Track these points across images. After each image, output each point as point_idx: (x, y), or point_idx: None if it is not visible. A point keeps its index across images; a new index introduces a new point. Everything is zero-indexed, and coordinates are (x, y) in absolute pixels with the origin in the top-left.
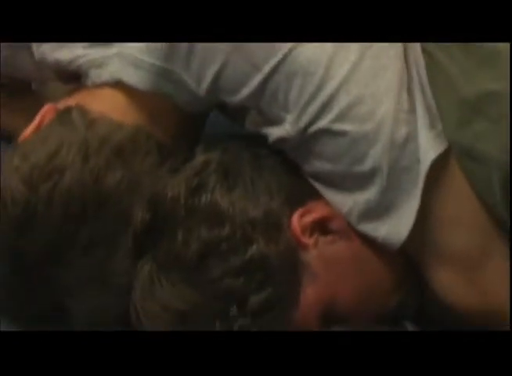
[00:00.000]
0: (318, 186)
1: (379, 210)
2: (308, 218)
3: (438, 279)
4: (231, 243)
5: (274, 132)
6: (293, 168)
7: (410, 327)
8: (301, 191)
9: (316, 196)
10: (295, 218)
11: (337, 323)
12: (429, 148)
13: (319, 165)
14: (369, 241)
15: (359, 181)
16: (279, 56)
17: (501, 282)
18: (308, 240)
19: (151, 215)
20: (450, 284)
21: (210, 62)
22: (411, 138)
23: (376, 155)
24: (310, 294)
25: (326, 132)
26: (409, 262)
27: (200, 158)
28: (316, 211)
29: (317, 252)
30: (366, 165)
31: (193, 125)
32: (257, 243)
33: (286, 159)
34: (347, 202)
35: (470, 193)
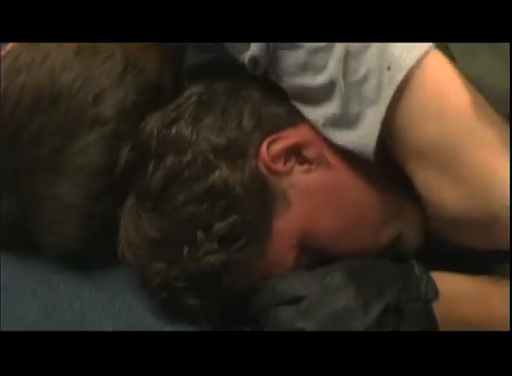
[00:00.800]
0: (297, 104)
1: (347, 121)
2: (280, 145)
3: (422, 180)
4: (193, 170)
5: (246, 56)
6: (271, 97)
7: (417, 265)
8: (277, 119)
9: (294, 123)
10: (264, 144)
11: (320, 256)
12: (405, 56)
13: (290, 81)
14: (350, 169)
15: (324, 93)
16: None
17: (485, 178)
18: (280, 168)
19: (133, 152)
20: (433, 184)
21: None
22: (372, 46)
23: (332, 66)
24: (283, 224)
25: (284, 46)
26: (403, 192)
27: (184, 94)
28: (289, 138)
29: (291, 181)
30: (325, 77)
31: (169, 51)
32: (219, 170)
33: (265, 89)
34: (320, 117)
35: (459, 86)
